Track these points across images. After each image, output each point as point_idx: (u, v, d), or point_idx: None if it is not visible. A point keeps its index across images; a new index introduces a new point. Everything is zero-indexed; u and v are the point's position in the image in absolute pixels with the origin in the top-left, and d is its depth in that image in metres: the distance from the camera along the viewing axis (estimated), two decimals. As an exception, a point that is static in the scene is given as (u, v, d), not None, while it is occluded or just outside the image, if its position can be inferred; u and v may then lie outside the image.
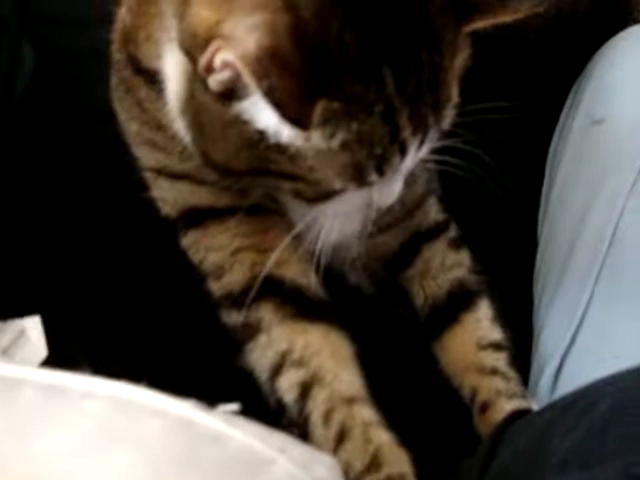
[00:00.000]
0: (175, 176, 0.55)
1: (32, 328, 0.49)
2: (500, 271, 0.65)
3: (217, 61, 0.37)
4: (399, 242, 0.61)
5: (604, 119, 0.65)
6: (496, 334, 0.59)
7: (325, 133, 0.40)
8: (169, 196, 0.57)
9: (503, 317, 0.60)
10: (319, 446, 0.49)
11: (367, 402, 0.51)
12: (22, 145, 0.64)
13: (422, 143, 0.44)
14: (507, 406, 0.55)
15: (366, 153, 0.41)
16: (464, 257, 0.62)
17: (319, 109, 0.38)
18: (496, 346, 0.59)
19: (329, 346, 0.53)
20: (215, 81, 0.39)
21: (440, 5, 0.40)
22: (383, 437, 0.49)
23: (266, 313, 0.54)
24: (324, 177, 0.43)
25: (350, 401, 0.50)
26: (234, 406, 0.35)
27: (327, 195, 0.46)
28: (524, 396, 0.57)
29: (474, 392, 0.56)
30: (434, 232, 0.62)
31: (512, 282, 0.66)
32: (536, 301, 0.64)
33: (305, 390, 0.51)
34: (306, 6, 0.37)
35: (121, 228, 0.62)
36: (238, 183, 0.50)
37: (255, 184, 0.49)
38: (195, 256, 0.56)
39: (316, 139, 0.40)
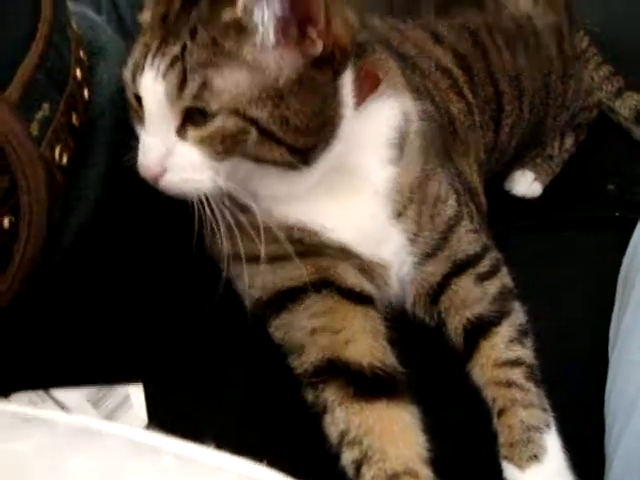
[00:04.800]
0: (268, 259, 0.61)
1: (135, 395, 0.53)
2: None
3: None
4: (442, 273, 0.66)
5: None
6: (511, 353, 0.63)
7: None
8: (262, 280, 0.62)
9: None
10: None
11: (414, 471, 0.55)
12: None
13: (157, 74, 0.53)
14: (523, 413, 0.60)
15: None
16: (489, 289, 0.67)
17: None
18: (512, 363, 0.63)
19: (382, 424, 0.57)
20: None
21: None
22: None
23: (330, 395, 0.58)
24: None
25: (394, 476, 0.54)
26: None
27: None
28: (544, 408, 0.61)
29: (493, 401, 0.62)
30: (463, 266, 0.67)
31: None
32: (608, 429, 0.63)
33: (357, 468, 0.55)
34: None
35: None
36: None
37: None
38: (283, 336, 0.61)
39: None
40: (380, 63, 0.65)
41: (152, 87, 0.54)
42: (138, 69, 0.55)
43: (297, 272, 0.61)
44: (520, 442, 0.59)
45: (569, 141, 0.96)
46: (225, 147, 0.54)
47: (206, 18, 0.53)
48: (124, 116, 0.63)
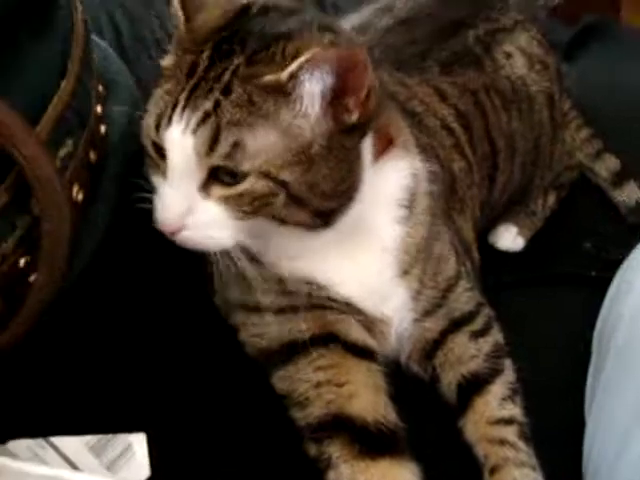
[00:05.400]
0: (276, 310, 0.62)
1: (138, 445, 0.51)
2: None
3: None
4: (439, 330, 0.67)
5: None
6: (505, 412, 0.64)
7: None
8: (268, 331, 0.62)
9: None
10: None
11: None
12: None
13: (187, 128, 0.52)
14: (515, 472, 0.60)
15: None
16: (483, 346, 0.68)
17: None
18: (506, 421, 0.64)
19: None
20: None
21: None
22: None
23: (335, 451, 0.58)
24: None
25: None
26: None
27: None
28: (533, 467, 0.61)
29: (485, 458, 0.62)
30: (459, 323, 0.68)
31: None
32: None
33: None
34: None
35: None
36: None
37: None
38: (287, 388, 0.61)
39: None
40: (391, 122, 0.65)
41: (180, 141, 0.52)
42: (164, 120, 0.53)
43: (304, 325, 0.61)
44: None
45: (551, 199, 0.99)
46: (252, 208, 0.53)
47: (243, 75, 0.52)
48: (133, 150, 0.62)
